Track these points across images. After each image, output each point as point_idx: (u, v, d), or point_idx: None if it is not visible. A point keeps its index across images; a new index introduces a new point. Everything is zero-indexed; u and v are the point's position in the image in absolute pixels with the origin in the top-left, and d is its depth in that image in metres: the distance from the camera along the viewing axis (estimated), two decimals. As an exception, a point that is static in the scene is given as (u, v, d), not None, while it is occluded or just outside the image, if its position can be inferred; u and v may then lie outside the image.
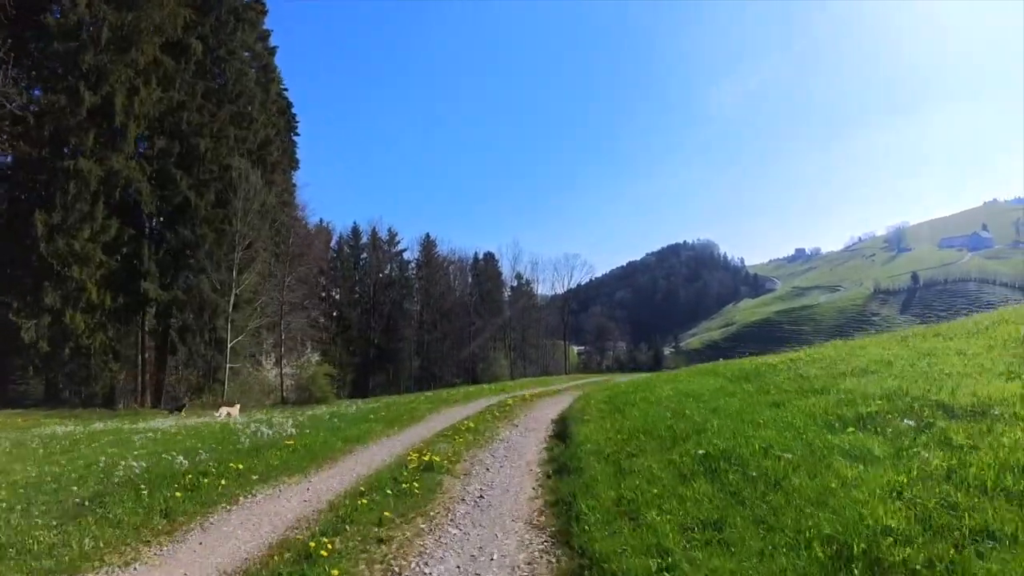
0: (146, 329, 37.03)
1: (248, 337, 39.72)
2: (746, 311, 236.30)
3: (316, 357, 44.23)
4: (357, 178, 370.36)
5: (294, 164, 65.24)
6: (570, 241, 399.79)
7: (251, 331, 39.33)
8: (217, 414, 25.98)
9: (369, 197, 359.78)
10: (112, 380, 35.09)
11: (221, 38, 41.12)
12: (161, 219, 36.38)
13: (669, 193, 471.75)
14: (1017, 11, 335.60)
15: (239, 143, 41.45)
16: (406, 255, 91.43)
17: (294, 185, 64.81)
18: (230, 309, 36.29)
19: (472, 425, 15.23)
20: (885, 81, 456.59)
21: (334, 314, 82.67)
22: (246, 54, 46.72)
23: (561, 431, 13.82)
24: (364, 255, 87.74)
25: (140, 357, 37.17)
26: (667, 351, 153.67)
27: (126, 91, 33.31)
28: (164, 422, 21.23)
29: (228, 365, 35.97)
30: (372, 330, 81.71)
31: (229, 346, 36.01)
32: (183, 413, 29.52)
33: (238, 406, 29.05)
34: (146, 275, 34.28)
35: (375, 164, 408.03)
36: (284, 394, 38.86)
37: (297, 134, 66.85)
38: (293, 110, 66.39)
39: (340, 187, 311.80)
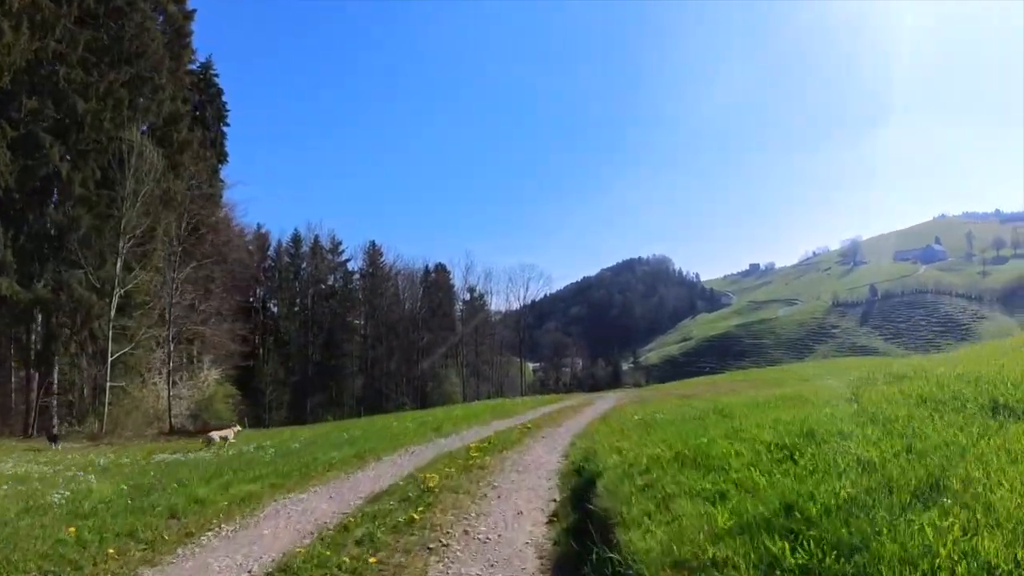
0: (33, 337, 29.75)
1: (145, 351, 32.20)
2: (703, 325, 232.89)
3: (215, 375, 36.26)
4: (300, 181, 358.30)
5: (222, 157, 57.95)
6: (525, 256, 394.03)
7: (145, 342, 31.73)
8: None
9: (313, 203, 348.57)
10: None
11: (117, -16, 33.79)
12: (18, 195, 28.55)
13: (623, 208, 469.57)
14: (964, 31, 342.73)
15: (138, 113, 34.15)
16: (350, 265, 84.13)
17: (221, 181, 57.48)
18: (112, 313, 28.63)
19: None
20: (835, 100, 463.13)
21: (272, 327, 75.16)
22: (160, 17, 39.66)
23: None
24: (305, 264, 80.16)
25: (25, 372, 29.91)
26: (625, 367, 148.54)
27: (-16, 35, 26.00)
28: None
29: (109, 384, 28.25)
30: (311, 344, 73.93)
31: (110, 359, 28.34)
32: (59, 447, 22.33)
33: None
34: (-1, 267, 26.52)
35: (321, 168, 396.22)
36: (173, 421, 30.98)
37: (227, 124, 59.66)
38: (224, 98, 59.45)
39: (283, 192, 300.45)
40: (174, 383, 33.00)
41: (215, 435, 21.45)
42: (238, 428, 24.24)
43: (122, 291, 29.26)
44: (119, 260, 29.14)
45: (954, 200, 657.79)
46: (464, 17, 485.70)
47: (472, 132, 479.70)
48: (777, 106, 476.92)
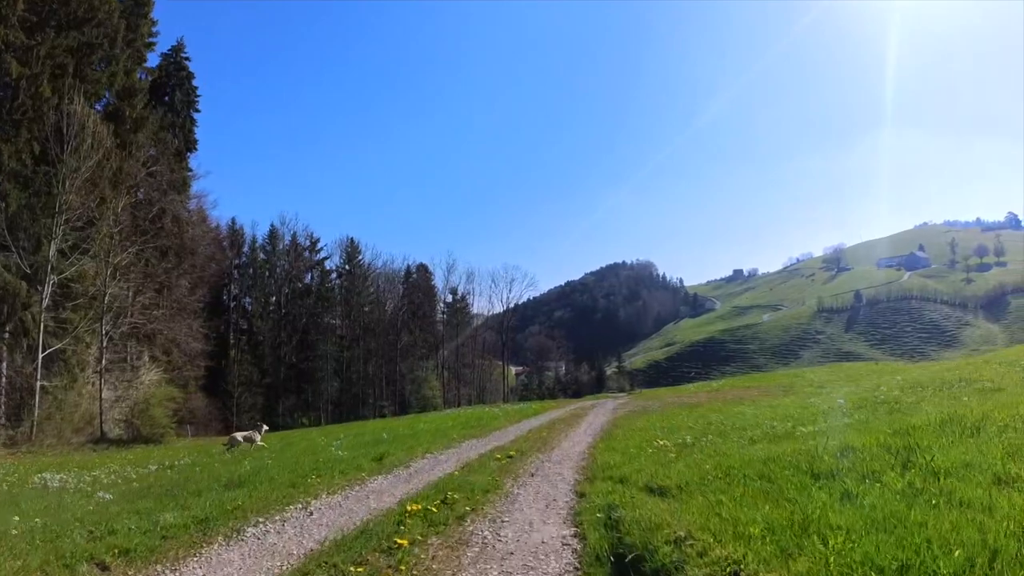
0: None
1: (85, 346, 28.76)
2: (687, 330, 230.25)
3: (154, 375, 32.50)
4: (280, 177, 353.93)
5: (191, 144, 54.76)
6: (509, 259, 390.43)
7: (85, 337, 28.35)
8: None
9: (293, 199, 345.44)
10: None
11: (62, -60, 30.42)
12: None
13: (608, 213, 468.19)
14: (946, 43, 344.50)
15: (86, 84, 30.74)
16: (327, 263, 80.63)
17: (190, 170, 54.28)
18: (44, 302, 25.29)
19: None
20: (818, 112, 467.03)
21: (245, 327, 71.61)
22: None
23: None
24: (281, 261, 76.46)
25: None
26: (609, 371, 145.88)
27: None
28: None
29: (40, 382, 24.87)
30: (283, 345, 70.31)
31: (41, 355, 24.97)
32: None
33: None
34: (-89, 248, 23.16)
35: (302, 164, 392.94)
36: (104, 427, 27.34)
37: (197, 110, 56.40)
38: (195, 82, 56.25)
39: (260, 186, 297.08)
40: (112, 384, 29.42)
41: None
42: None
43: (56, 279, 25.94)
44: (52, 244, 25.79)
45: (936, 209, 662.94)
46: (459, 18, 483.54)
47: (458, 136, 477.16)
48: (762, 117, 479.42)
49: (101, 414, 26.94)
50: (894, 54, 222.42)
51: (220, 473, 13.04)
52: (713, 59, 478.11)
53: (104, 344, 28.56)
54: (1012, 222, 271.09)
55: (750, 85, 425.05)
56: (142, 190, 39.32)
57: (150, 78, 41.11)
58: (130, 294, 34.05)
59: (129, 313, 32.64)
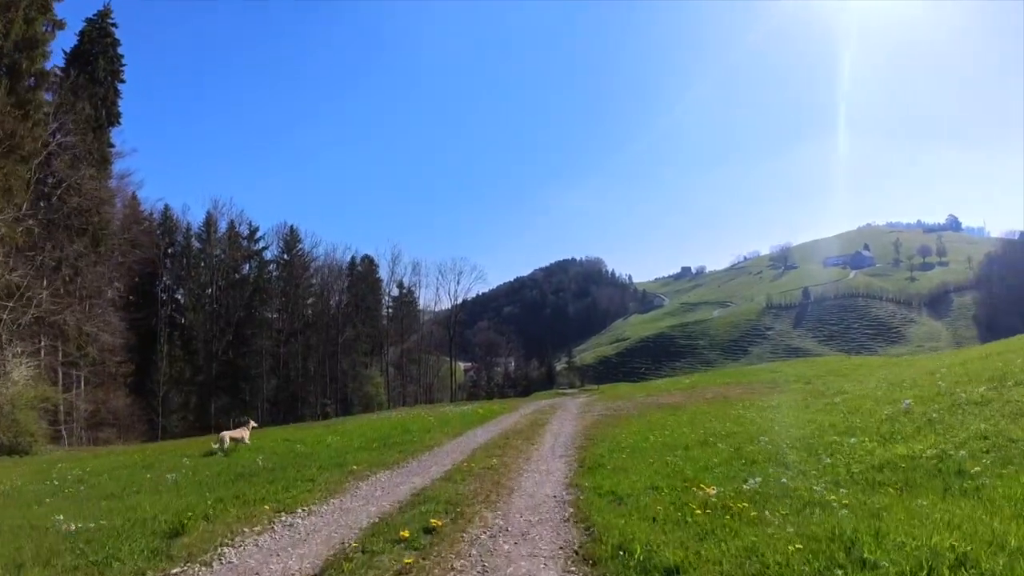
0: None
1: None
2: (637, 326, 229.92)
3: (24, 371, 27.48)
4: (235, 166, 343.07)
5: (114, 118, 49.80)
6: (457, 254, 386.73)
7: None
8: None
9: (238, 187, 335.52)
10: None
11: None
12: None
13: (558, 212, 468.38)
14: (891, 51, 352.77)
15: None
16: (266, 254, 75.11)
17: (112, 146, 49.35)
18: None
19: None
20: (767, 117, 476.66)
21: (179, 320, 66.24)
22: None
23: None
24: (217, 251, 70.62)
25: None
26: (559, 367, 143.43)
27: None
28: None
29: None
30: (215, 340, 64.96)
31: None
32: None
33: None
34: None
35: (243, 150, 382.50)
36: None
37: (122, 80, 51.28)
38: (120, 50, 51.14)
39: (191, 167, 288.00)
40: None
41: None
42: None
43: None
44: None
45: (879, 211, 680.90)
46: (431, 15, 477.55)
47: (416, 132, 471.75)
48: (712, 120, 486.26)
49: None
50: (845, 62, 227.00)
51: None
52: (668, 62, 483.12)
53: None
54: (953, 224, 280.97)
55: (703, 89, 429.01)
56: (55, 160, 34.92)
57: (58, 31, 35.77)
58: (43, 281, 29.72)
59: (36, 302, 28.28)
